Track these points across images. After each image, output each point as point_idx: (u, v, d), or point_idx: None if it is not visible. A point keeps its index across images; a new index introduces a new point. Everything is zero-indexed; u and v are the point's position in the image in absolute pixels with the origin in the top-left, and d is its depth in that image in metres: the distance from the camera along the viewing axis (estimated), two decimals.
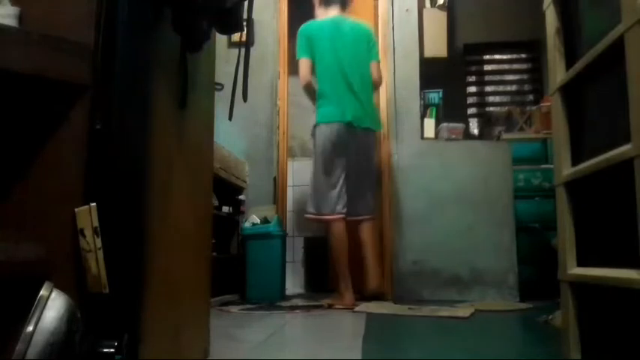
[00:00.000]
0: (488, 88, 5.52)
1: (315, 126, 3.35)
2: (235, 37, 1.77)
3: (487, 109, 5.39)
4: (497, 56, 5.54)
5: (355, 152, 3.32)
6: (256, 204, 3.85)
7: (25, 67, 0.92)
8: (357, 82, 3.32)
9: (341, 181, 3.29)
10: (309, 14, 3.60)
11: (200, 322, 1.60)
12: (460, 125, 4.02)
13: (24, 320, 0.79)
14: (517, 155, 3.80)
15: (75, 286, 0.92)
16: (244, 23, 1.43)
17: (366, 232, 3.36)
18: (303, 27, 3.43)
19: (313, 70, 3.36)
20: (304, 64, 3.34)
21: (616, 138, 1.11)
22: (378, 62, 3.50)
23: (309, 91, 3.41)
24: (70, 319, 0.83)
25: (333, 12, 3.45)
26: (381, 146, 3.79)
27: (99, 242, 0.93)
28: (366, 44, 3.43)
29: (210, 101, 1.73)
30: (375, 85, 3.54)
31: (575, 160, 1.37)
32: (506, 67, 5.53)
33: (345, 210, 3.29)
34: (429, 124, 3.94)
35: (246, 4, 1.43)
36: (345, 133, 3.25)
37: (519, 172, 3.83)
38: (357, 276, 3.78)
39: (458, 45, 5.28)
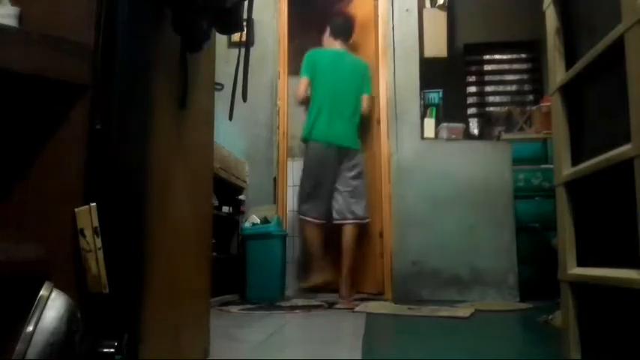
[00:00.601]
0: (488, 88, 5.52)
1: (304, 140, 3.76)
2: (235, 37, 1.77)
3: (487, 109, 5.38)
4: (497, 56, 5.53)
5: (338, 167, 3.65)
6: (256, 204, 3.85)
7: (25, 67, 0.92)
8: (346, 108, 3.70)
9: (324, 191, 3.64)
10: (309, 15, 3.63)
11: (200, 322, 1.60)
12: (460, 125, 4.01)
13: (24, 320, 0.79)
14: (517, 155, 3.79)
15: (75, 286, 0.92)
16: (244, 23, 1.43)
17: (348, 236, 3.66)
18: (311, 51, 3.82)
19: (310, 89, 3.74)
20: (303, 82, 3.72)
21: (616, 138, 1.11)
22: (370, 95, 3.85)
23: (304, 105, 3.82)
24: (70, 319, 0.83)
25: (338, 44, 3.85)
26: (364, 161, 3.94)
27: (99, 242, 0.93)
28: (361, 78, 3.82)
29: (210, 101, 1.73)
30: (365, 115, 3.86)
31: (575, 160, 1.37)
32: (506, 67, 5.52)
33: (321, 214, 3.63)
34: (429, 124, 3.93)
35: (246, 4, 1.43)
36: (326, 149, 3.62)
37: (519, 172, 3.83)
38: (357, 276, 3.81)
39: (458, 45, 5.27)
